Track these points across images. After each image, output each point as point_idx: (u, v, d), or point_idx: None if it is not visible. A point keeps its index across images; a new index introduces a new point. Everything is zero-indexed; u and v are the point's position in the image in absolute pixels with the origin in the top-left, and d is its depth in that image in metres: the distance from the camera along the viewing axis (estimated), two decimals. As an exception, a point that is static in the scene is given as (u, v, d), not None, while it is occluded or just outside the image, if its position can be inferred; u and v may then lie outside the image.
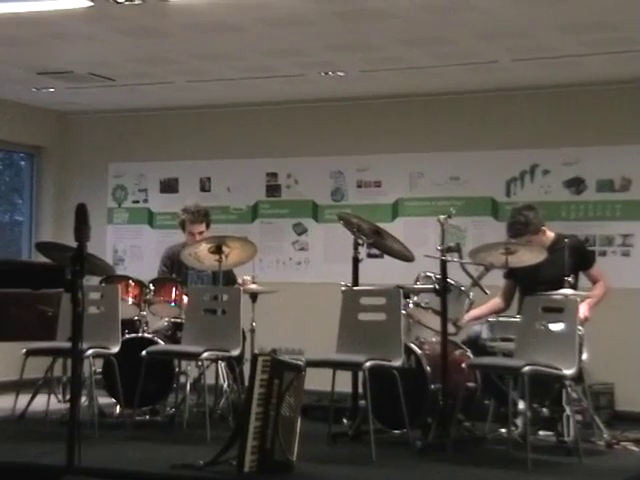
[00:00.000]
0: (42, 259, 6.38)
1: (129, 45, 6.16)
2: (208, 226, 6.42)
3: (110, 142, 8.37)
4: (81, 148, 8.48)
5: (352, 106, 7.64)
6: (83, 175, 8.42)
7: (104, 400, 5.93)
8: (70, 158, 8.49)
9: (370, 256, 7.02)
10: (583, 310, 5.37)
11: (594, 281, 5.72)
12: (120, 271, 7.31)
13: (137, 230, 8.32)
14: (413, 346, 5.41)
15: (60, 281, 4.44)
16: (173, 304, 6.00)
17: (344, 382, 5.49)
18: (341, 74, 6.83)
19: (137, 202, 8.34)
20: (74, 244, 4.04)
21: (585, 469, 4.76)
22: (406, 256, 5.77)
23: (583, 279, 5.75)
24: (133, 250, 8.29)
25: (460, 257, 5.41)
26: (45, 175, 8.49)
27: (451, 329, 5.42)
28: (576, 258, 5.55)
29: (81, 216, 4.01)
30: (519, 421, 5.20)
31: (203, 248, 5.90)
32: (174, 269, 6.34)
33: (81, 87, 7.37)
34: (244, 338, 5.91)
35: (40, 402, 5.84)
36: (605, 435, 5.36)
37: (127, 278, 6.11)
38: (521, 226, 5.61)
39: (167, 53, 6.39)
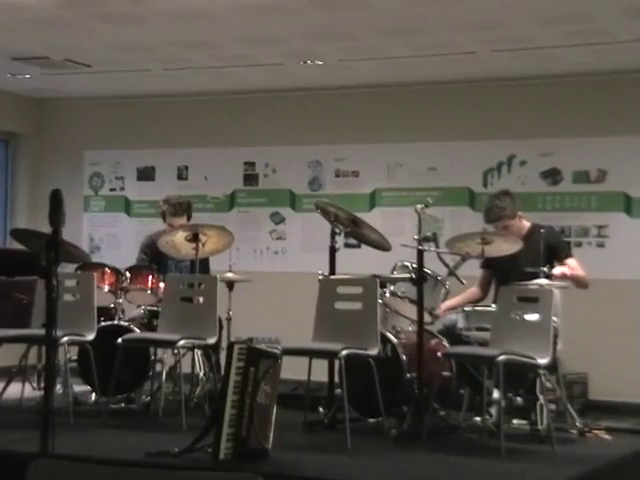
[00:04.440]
0: (17, 246, 6.34)
1: (106, 31, 6.12)
2: (189, 219, 6.41)
3: (86, 129, 8.32)
4: (57, 135, 8.42)
5: (331, 96, 7.63)
6: (59, 162, 8.37)
7: (79, 388, 5.91)
8: (46, 145, 8.43)
9: (347, 246, 7.03)
10: (564, 270, 5.40)
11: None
12: (96, 259, 7.25)
13: (114, 218, 8.29)
14: (389, 335, 5.43)
15: (35, 268, 4.42)
16: (149, 292, 5.99)
17: (320, 371, 5.51)
18: (320, 63, 6.82)
19: (114, 190, 8.31)
20: (49, 232, 4.02)
21: (558, 457, 4.80)
22: (383, 245, 5.79)
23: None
24: (110, 238, 8.26)
25: (437, 247, 5.45)
26: (20, 162, 8.42)
27: (427, 318, 5.44)
28: (551, 248, 5.59)
29: (56, 202, 4.00)
30: (493, 410, 5.23)
31: (180, 236, 5.89)
32: (154, 258, 6.32)
33: (57, 73, 7.32)
34: (220, 327, 5.90)
35: (14, 390, 5.80)
36: (578, 424, 5.40)
37: (103, 266, 6.09)
38: (498, 210, 5.65)
39: (144, 40, 6.36)
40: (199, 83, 7.59)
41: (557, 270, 5.45)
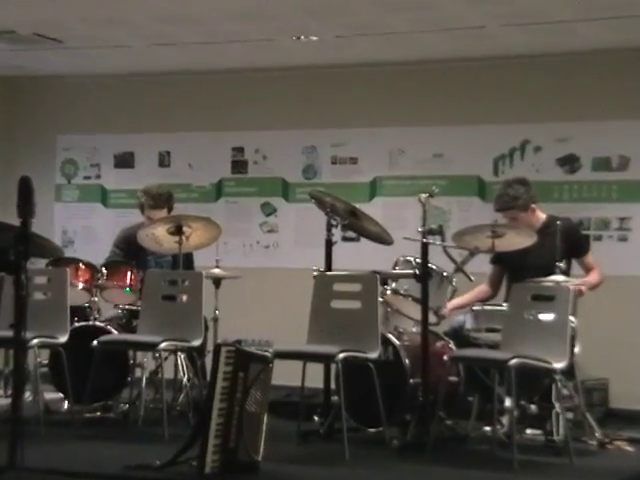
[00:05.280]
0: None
1: (80, 4, 6.10)
2: (170, 211, 6.41)
3: (59, 111, 8.31)
4: (26, 118, 8.41)
5: (327, 75, 7.63)
6: (29, 148, 8.35)
7: (51, 395, 5.91)
8: (14, 129, 8.42)
9: (345, 239, 7.04)
10: (579, 282, 5.43)
11: (588, 269, 5.78)
12: (70, 254, 7.27)
13: (89, 209, 8.28)
14: (391, 337, 5.44)
15: (2, 263, 4.42)
16: (128, 290, 5.99)
17: (315, 376, 5.52)
18: (315, 39, 6.81)
19: (89, 178, 8.30)
20: (18, 223, 4.01)
21: (576, 470, 4.82)
22: (384, 239, 5.79)
23: (576, 268, 5.80)
24: (84, 231, 8.25)
25: (443, 240, 5.44)
26: (-13, 148, 8.42)
27: (432, 319, 5.45)
28: (569, 243, 5.60)
29: (25, 190, 4.00)
30: (505, 419, 5.24)
31: (162, 229, 5.90)
32: (131, 254, 6.31)
33: (26, 49, 7.30)
34: (206, 328, 5.92)
35: (-20, 397, 5.82)
36: (597, 434, 5.42)
37: (77, 261, 6.09)
38: (509, 199, 5.66)
39: (123, 14, 6.35)
40: (183, 61, 7.58)
41: (575, 285, 5.43)
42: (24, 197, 3.98)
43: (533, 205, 5.75)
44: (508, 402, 5.16)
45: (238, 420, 4.32)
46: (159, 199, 6.36)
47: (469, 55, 7.16)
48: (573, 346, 5.19)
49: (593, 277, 5.71)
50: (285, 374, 5.04)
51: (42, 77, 8.24)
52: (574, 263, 5.78)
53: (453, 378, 5.39)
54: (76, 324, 5.85)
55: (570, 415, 5.43)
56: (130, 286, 5.99)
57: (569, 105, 7.06)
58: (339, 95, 7.62)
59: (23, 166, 8.05)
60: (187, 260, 6.22)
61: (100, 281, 5.98)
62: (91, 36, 6.91)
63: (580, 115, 7.03)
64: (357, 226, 5.91)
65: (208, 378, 4.67)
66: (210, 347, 5.46)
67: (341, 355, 5.00)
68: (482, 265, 5.85)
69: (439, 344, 5.56)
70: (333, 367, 5.31)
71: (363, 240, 6.27)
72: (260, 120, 7.79)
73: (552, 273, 5.33)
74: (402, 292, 5.53)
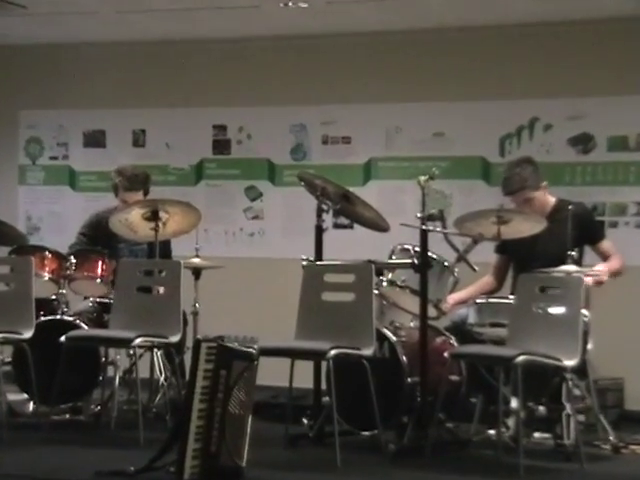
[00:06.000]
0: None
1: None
2: (146, 194, 6.42)
3: (22, 84, 8.28)
4: (-14, 92, 8.40)
5: (317, 46, 7.63)
6: (-11, 125, 8.35)
7: (14, 396, 5.91)
8: (-27, 104, 8.41)
9: (337, 226, 7.07)
10: (601, 268, 5.45)
11: (605, 257, 5.77)
12: (35, 242, 7.27)
13: (56, 192, 8.27)
14: (387, 332, 5.46)
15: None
16: (99, 281, 5.99)
17: (305, 375, 5.53)
18: (304, 6, 6.81)
19: (55, 159, 8.29)
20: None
21: (587, 477, 4.85)
22: (379, 225, 5.81)
23: (590, 255, 5.82)
24: (51, 217, 8.25)
25: (444, 227, 5.46)
26: (-57, 125, 8.40)
27: (432, 312, 5.48)
28: (581, 229, 5.62)
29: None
30: (511, 421, 5.27)
31: (136, 214, 5.90)
32: (100, 241, 6.32)
33: (-15, 16, 7.29)
34: (185, 322, 5.93)
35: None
36: (612, 438, 5.45)
37: (43, 249, 6.10)
38: (520, 179, 5.67)
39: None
40: (158, 30, 7.56)
41: (594, 273, 5.45)
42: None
43: (544, 183, 5.76)
44: (514, 403, 5.19)
45: (220, 423, 4.34)
46: (135, 180, 6.36)
47: (472, 23, 7.16)
48: (585, 342, 5.21)
49: (614, 263, 5.71)
50: (271, 373, 5.05)
51: (2, 47, 8.21)
52: (588, 252, 5.80)
53: (454, 377, 5.41)
54: (42, 318, 5.85)
55: (582, 417, 5.46)
56: (101, 277, 6.00)
57: (582, 79, 7.07)
58: (331, 68, 7.62)
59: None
60: (164, 248, 6.23)
61: (68, 271, 5.98)
62: (56, 1, 6.89)
63: (595, 90, 7.03)
64: (350, 211, 5.93)
65: (187, 377, 4.69)
66: (189, 343, 5.47)
67: (332, 352, 5.01)
68: (487, 254, 5.88)
69: (439, 340, 5.58)
70: (324, 365, 5.32)
71: (357, 227, 6.29)
72: (244, 95, 7.79)
73: (563, 262, 5.35)
74: (399, 283, 5.55)
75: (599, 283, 5.49)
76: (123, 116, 8.08)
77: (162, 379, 5.94)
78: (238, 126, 7.89)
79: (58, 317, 5.93)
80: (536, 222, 5.41)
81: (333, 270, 5.56)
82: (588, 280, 5.33)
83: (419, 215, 5.33)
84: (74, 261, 6.00)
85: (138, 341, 5.42)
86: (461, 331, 5.55)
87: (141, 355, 5.79)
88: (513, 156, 6.97)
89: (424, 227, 5.32)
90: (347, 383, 5.20)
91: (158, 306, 5.71)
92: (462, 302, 5.75)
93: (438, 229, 5.43)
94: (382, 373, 5.22)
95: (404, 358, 5.38)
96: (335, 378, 5.04)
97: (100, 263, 6.02)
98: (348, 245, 6.78)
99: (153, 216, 5.85)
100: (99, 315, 6.08)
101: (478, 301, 5.53)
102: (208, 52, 7.86)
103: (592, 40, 7.06)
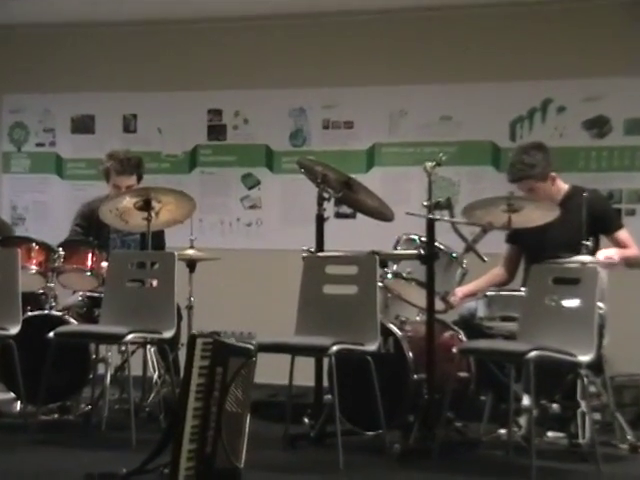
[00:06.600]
0: None
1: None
2: (140, 179, 6.42)
3: (6, 67, 8.28)
4: (-32, 75, 8.41)
5: (318, 25, 7.63)
6: (-29, 110, 8.36)
7: (0, 395, 5.94)
8: (-46, 88, 8.42)
9: (339, 215, 7.09)
10: (611, 254, 5.47)
11: (622, 247, 5.77)
12: (21, 233, 7.30)
13: (42, 181, 8.30)
14: (392, 327, 5.48)
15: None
16: (89, 274, 6.01)
17: (305, 372, 5.55)
18: (303, -18, 6.83)
19: (42, 145, 8.31)
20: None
21: (603, 479, 4.86)
22: (384, 214, 5.83)
23: (606, 246, 5.83)
24: (37, 206, 8.27)
25: (451, 216, 5.47)
26: None
27: (439, 306, 5.49)
28: (596, 218, 5.62)
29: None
30: (522, 420, 5.29)
31: (127, 203, 5.90)
32: (92, 232, 6.34)
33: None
34: (179, 317, 5.94)
35: None
36: (629, 437, 5.46)
37: (29, 241, 6.09)
38: (524, 167, 5.68)
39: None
40: (149, 9, 7.56)
41: (602, 254, 5.49)
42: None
43: (553, 174, 5.78)
44: (526, 401, 5.20)
45: (216, 422, 4.34)
46: (128, 164, 6.36)
47: (482, 1, 7.15)
48: (601, 337, 5.21)
49: (630, 250, 5.71)
50: (270, 370, 5.06)
51: (-14, 28, 8.23)
52: (605, 242, 5.80)
53: (463, 374, 5.43)
54: (29, 313, 5.86)
55: (597, 416, 5.48)
56: (92, 269, 6.01)
57: (599, 58, 7.07)
58: (332, 49, 7.62)
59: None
60: (157, 239, 6.24)
61: (57, 264, 5.98)
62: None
63: (611, 70, 7.04)
64: (353, 200, 5.94)
65: (181, 374, 4.70)
66: (184, 339, 5.50)
67: (335, 348, 5.02)
68: (497, 244, 5.89)
69: (447, 335, 5.60)
70: (325, 362, 5.35)
71: (359, 216, 6.30)
72: (240, 78, 7.79)
73: (577, 252, 5.36)
74: (405, 275, 5.56)
75: (611, 266, 5.48)
76: (113, 100, 8.10)
77: (155, 377, 5.97)
78: (234, 110, 7.91)
79: (46, 312, 5.94)
80: (548, 210, 5.41)
81: (335, 262, 5.57)
82: (599, 258, 5.34)
83: (425, 203, 5.34)
84: (62, 253, 6.00)
85: (130, 337, 5.43)
86: (470, 325, 5.56)
87: (133, 352, 5.79)
88: (524, 140, 6.98)
89: (430, 216, 5.33)
90: (350, 380, 5.21)
91: (151, 300, 5.71)
92: (471, 295, 5.76)
93: (445, 218, 5.44)
94: (387, 370, 5.24)
95: (410, 354, 5.39)
96: (337, 375, 5.05)
97: (90, 255, 6.02)
98: (350, 235, 6.80)
99: (145, 205, 5.85)
100: (89, 310, 6.09)
101: (488, 294, 5.54)
102: (202, 32, 7.86)
103: (609, 18, 7.06)
